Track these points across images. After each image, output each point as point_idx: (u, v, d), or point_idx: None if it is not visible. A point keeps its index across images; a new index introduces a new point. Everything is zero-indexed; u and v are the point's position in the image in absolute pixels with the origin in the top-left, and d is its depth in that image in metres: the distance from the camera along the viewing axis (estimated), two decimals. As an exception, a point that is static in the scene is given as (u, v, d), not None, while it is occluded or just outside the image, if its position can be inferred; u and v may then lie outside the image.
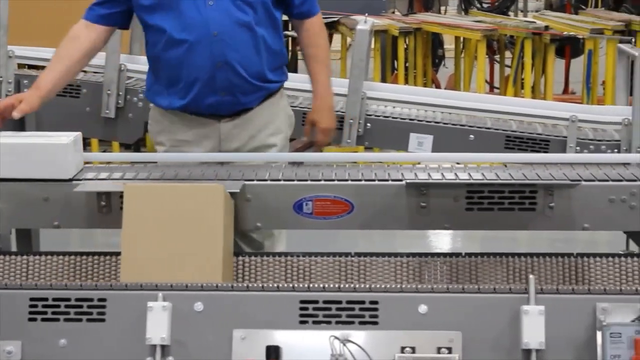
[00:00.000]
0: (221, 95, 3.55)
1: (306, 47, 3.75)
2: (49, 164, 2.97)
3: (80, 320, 2.48)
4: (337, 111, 5.29)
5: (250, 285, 2.50)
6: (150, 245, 2.73)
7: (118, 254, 2.85)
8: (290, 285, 2.51)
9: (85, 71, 5.95)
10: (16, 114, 3.27)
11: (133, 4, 3.52)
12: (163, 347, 2.44)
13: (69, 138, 3.05)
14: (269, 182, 2.98)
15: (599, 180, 2.93)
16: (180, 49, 3.49)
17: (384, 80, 8.82)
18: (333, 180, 2.96)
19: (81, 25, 3.57)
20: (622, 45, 5.36)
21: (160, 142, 3.71)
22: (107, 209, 2.94)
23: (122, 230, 2.76)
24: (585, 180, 2.93)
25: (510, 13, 12.05)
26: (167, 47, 3.51)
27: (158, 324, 2.44)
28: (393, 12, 10.43)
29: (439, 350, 2.42)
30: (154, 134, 3.73)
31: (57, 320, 2.48)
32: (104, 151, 7.42)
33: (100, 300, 2.48)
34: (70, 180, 2.99)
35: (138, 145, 7.29)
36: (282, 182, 2.98)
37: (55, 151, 2.99)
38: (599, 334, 2.40)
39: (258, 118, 3.65)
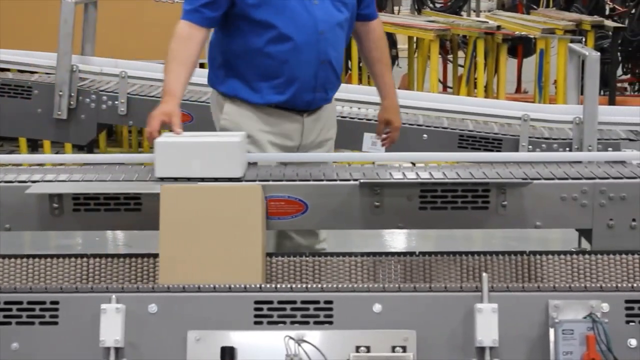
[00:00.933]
0: (318, 92, 3.61)
1: (370, 51, 3.84)
2: (220, 162, 2.95)
3: (32, 323, 2.46)
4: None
5: (202, 286, 2.49)
6: (189, 247, 2.71)
7: (71, 256, 2.83)
8: (244, 285, 2.51)
9: (36, 72, 5.91)
10: (180, 131, 3.23)
11: (237, 1, 3.50)
12: (117, 349, 2.43)
13: (238, 137, 3.06)
14: (222, 182, 2.97)
15: (551, 179, 2.95)
16: (286, 45, 3.51)
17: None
18: (287, 180, 2.96)
19: (186, 26, 3.51)
20: (572, 45, 5.42)
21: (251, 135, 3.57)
22: (59, 210, 2.91)
23: (160, 232, 2.73)
24: (537, 179, 2.95)
25: (463, 13, 12.11)
26: (272, 43, 3.52)
27: (112, 327, 2.43)
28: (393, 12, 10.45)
29: (393, 349, 2.43)
30: (236, 126, 3.61)
31: (9, 324, 2.46)
32: (57, 152, 7.36)
33: (52, 303, 2.46)
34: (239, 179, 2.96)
35: (91, 146, 7.23)
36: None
37: (226, 149, 2.98)
38: (551, 331, 2.42)
39: (326, 112, 3.73)
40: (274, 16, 3.50)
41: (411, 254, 2.91)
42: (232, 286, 2.50)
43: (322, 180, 2.96)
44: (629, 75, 11.04)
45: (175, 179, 2.92)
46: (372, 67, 3.86)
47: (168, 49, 3.48)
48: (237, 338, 2.45)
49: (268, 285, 2.51)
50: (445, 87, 10.52)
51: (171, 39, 3.51)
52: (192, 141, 3.02)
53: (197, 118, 5.39)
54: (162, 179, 2.93)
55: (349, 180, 2.95)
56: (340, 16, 3.60)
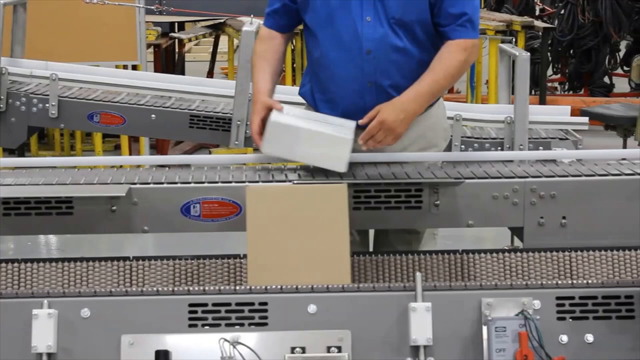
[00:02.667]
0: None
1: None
2: (327, 154, 2.96)
3: (-38, 330, 2.42)
4: (226, 113, 5.31)
5: (135, 290, 2.47)
6: (276, 247, 2.70)
7: (1, 261, 2.79)
8: (179, 288, 2.49)
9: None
10: (280, 106, 3.13)
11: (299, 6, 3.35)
12: (49, 355, 2.40)
13: (349, 133, 3.02)
14: (155, 185, 2.95)
15: (483, 178, 2.98)
16: (328, 60, 3.29)
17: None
18: (220, 182, 2.95)
19: (265, 30, 3.44)
20: (503, 45, 5.48)
21: None
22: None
23: (248, 232, 2.71)
24: (469, 178, 2.98)
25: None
26: (321, 55, 3.30)
27: (44, 332, 2.40)
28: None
29: (328, 349, 2.43)
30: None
31: (-61, 330, 2.42)
32: (-13, 157, 7.25)
33: (-17, 309, 2.43)
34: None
35: (22, 150, 7.14)
36: (168, 185, 2.95)
37: (336, 144, 2.97)
38: (484, 329, 2.45)
39: (409, 131, 3.21)
40: (317, 27, 3.29)
41: (352, 254, 2.91)
42: (166, 289, 2.49)
43: (256, 182, 2.96)
44: (559, 75, 11.20)
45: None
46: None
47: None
48: (172, 341, 2.43)
49: (202, 288, 2.50)
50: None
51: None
52: (305, 127, 3.00)
53: (129, 120, 5.35)
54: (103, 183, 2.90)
55: (284, 181, 2.95)
56: (396, 40, 3.21)
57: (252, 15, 6.37)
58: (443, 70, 3.17)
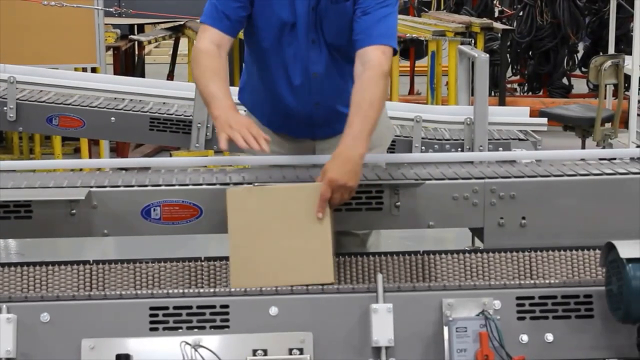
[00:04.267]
0: (319, 127, 3.35)
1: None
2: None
3: None
4: (187, 116, 5.29)
5: (96, 293, 2.46)
6: (259, 249, 2.67)
7: None
8: (139, 291, 2.48)
9: None
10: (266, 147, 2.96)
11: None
12: (9, 360, 2.38)
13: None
14: (115, 188, 2.93)
15: (443, 179, 2.99)
16: (276, 83, 3.28)
17: (232, 83, 8.78)
18: (181, 185, 2.94)
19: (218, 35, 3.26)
20: (462, 47, 5.50)
21: (251, 151, 3.29)
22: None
23: (229, 234, 2.70)
24: (430, 179, 2.99)
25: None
26: (264, 75, 3.30)
27: (3, 337, 2.38)
28: (241, 16, 10.41)
29: (290, 351, 2.43)
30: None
31: None
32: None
33: (-60, 314, 2.40)
34: None
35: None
36: (128, 188, 2.93)
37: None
38: (445, 329, 2.46)
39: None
40: (265, 46, 3.25)
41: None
42: (126, 293, 2.48)
43: (215, 184, 2.95)
44: (518, 76, 11.28)
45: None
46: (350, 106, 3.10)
47: None
48: (133, 345, 2.42)
49: (163, 291, 2.49)
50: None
51: None
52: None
53: (89, 123, 5.32)
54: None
55: (242, 183, 2.94)
56: (325, 56, 3.24)
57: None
58: (368, 104, 2.99)
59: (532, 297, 2.53)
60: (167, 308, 2.46)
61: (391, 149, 4.98)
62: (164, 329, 2.45)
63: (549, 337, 2.50)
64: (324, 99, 3.29)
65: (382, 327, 2.45)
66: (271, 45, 3.25)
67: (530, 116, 5.25)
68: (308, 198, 2.74)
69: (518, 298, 2.52)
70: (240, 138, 2.93)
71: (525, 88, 11.12)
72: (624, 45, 9.57)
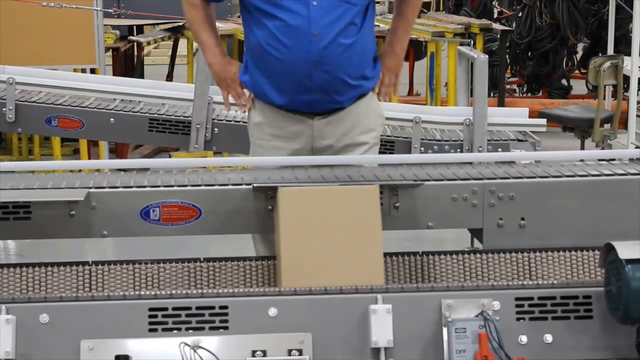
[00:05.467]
0: (317, 93, 3.57)
1: (399, 4, 3.76)
2: None
3: None
4: (186, 116, 5.30)
5: (95, 294, 2.46)
6: (310, 249, 2.68)
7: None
8: (138, 292, 2.48)
9: None
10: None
11: None
12: (8, 361, 2.38)
13: None
14: (114, 189, 2.93)
15: (442, 180, 2.99)
16: (278, 42, 3.53)
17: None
18: (180, 185, 2.94)
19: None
20: (461, 48, 5.51)
21: (252, 135, 3.75)
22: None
23: (281, 234, 2.70)
24: (429, 180, 2.99)
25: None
26: (268, 38, 3.54)
27: (2, 338, 2.38)
28: (239, 16, 10.42)
29: (289, 352, 2.43)
30: (251, 125, 3.74)
31: None
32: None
33: (-60, 315, 2.40)
34: None
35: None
36: (127, 189, 2.93)
37: None
38: (444, 330, 2.46)
39: (351, 117, 3.65)
40: (274, 9, 3.51)
41: (306, 257, 2.92)
42: (125, 293, 2.47)
43: (215, 185, 2.95)
44: (517, 77, 11.28)
45: None
46: (393, 19, 3.82)
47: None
48: (132, 346, 2.42)
49: (162, 292, 2.49)
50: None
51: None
52: None
53: (88, 124, 5.32)
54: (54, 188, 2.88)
55: (242, 184, 2.95)
56: (341, 19, 3.51)
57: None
58: (413, 13, 3.76)
59: (532, 298, 2.52)
60: (166, 309, 2.45)
61: (390, 150, 5.00)
62: (163, 329, 2.45)
63: (548, 337, 2.50)
64: (325, 60, 3.49)
65: (381, 328, 2.45)
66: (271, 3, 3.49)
67: (530, 117, 5.26)
68: (359, 199, 2.75)
69: (517, 299, 2.52)
70: (226, 99, 3.73)
71: (525, 89, 11.12)
72: (623, 46, 9.57)
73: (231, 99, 3.75)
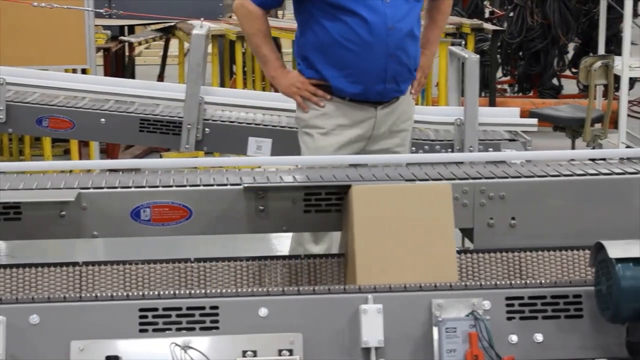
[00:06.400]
0: (389, 83, 3.89)
1: (432, 9, 4.16)
2: None
3: None
4: (177, 117, 5.29)
5: (84, 295, 2.45)
6: (384, 246, 2.69)
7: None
8: (128, 293, 2.48)
9: None
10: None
11: None
12: (-2, 362, 2.37)
13: None
14: (105, 189, 2.93)
15: (434, 179, 3.00)
16: (358, 38, 3.81)
17: (222, 85, 8.81)
18: (170, 186, 2.93)
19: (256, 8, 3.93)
20: (452, 48, 5.51)
21: (315, 126, 3.91)
22: None
23: (355, 232, 2.70)
24: (420, 180, 2.99)
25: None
26: (346, 33, 3.82)
27: (-8, 339, 2.37)
28: (230, 17, 10.42)
29: (280, 352, 2.43)
30: (309, 118, 3.92)
31: None
32: None
33: None
34: None
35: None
36: (118, 190, 2.93)
37: None
38: (435, 330, 2.46)
39: (402, 105, 4.01)
40: (355, 5, 3.76)
41: (297, 257, 2.92)
42: (116, 294, 2.47)
43: (205, 185, 2.95)
44: (508, 77, 11.29)
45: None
46: (425, 23, 4.16)
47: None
48: (122, 347, 2.41)
49: (152, 292, 2.49)
50: (329, 91, 10.57)
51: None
52: None
53: (78, 125, 5.31)
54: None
55: (232, 184, 2.94)
56: (412, 13, 3.88)
57: (202, 19, 6.36)
58: (444, 21, 4.21)
59: (522, 298, 2.53)
60: (156, 309, 2.45)
61: (381, 150, 4.99)
62: (154, 330, 2.44)
63: (539, 337, 2.50)
64: (398, 51, 3.83)
65: (372, 327, 2.45)
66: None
67: (521, 117, 5.26)
68: (432, 197, 2.77)
69: (507, 298, 2.52)
70: (301, 101, 3.91)
71: (516, 89, 11.12)
72: (614, 46, 9.59)
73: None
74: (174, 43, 10.26)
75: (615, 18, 9.65)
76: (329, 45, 3.83)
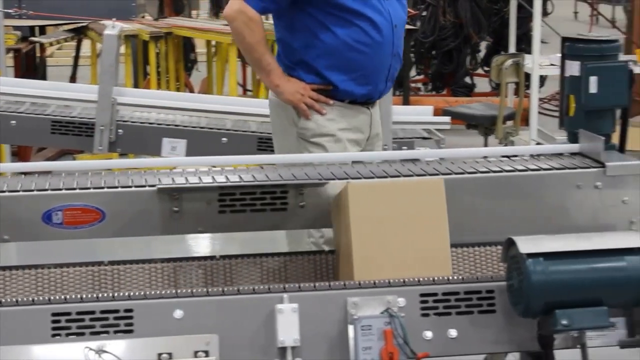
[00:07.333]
0: (389, 82, 3.90)
1: None
2: None
3: None
4: (90, 118, 5.23)
5: (-7, 300, 2.41)
6: (379, 242, 2.69)
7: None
8: (41, 297, 2.44)
9: None
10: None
11: None
12: None
13: None
14: (16, 192, 2.88)
15: (346, 178, 3.00)
16: (369, 39, 3.76)
17: (136, 85, 8.73)
18: (83, 188, 2.90)
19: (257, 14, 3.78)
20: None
21: (326, 134, 3.80)
22: None
23: (351, 228, 2.69)
24: (333, 179, 3.00)
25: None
26: (357, 36, 3.75)
27: None
28: (143, 17, 10.34)
29: (196, 354, 2.42)
30: (317, 127, 3.80)
31: None
32: None
33: None
34: None
35: None
36: (29, 193, 2.88)
37: None
38: (350, 328, 2.47)
39: (384, 102, 4.08)
40: (363, 7, 3.72)
41: (212, 257, 2.91)
42: (27, 299, 2.43)
43: (119, 187, 2.92)
44: (422, 76, 11.40)
45: None
46: None
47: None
48: (35, 352, 2.38)
49: (65, 297, 2.46)
50: (245, 90, 10.57)
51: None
52: None
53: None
54: None
55: (146, 186, 2.92)
56: (403, 7, 3.91)
57: (114, 19, 6.29)
58: None
59: (436, 294, 2.55)
60: (69, 314, 2.42)
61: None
62: (67, 334, 2.41)
63: (453, 332, 2.53)
64: (399, 50, 3.84)
65: (288, 327, 2.45)
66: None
67: (434, 115, 5.32)
68: (426, 192, 2.78)
69: (422, 295, 2.54)
70: (306, 109, 3.76)
71: (429, 87, 11.23)
72: (525, 44, 9.74)
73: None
74: (86, 44, 10.14)
75: (525, 17, 9.81)
76: (339, 50, 3.73)
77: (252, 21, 3.73)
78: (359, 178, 2.97)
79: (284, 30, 3.84)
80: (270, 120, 4.03)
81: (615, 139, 3.24)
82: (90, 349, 2.37)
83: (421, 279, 2.57)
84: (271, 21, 3.99)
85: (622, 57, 3.45)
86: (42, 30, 10.19)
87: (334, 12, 3.71)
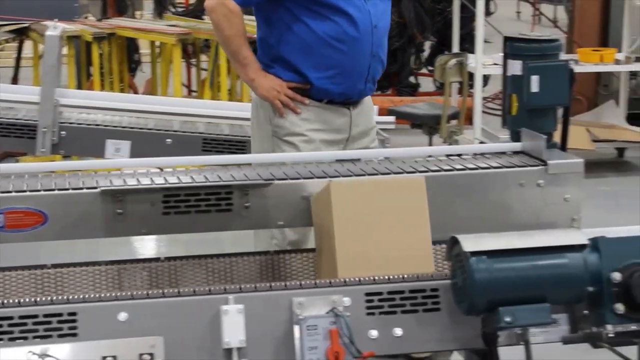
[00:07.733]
0: (368, 82, 3.89)
1: None
2: None
3: None
4: (30, 119, 5.17)
5: None
6: (362, 240, 2.69)
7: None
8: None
9: None
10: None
11: None
12: None
13: None
14: (-44, 196, 2.84)
15: (292, 179, 3.01)
16: (347, 37, 3.76)
17: (79, 87, 8.65)
18: (24, 191, 2.86)
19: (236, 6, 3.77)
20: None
21: (298, 133, 3.78)
22: None
23: (335, 226, 2.69)
24: (280, 179, 3.00)
25: (205, 17, 12.15)
26: (334, 33, 3.74)
27: None
28: (86, 17, 10.25)
29: (140, 356, 2.40)
30: (290, 125, 3.79)
31: None
32: None
33: None
34: None
35: None
36: (-31, 196, 2.84)
37: None
38: (296, 328, 2.47)
39: (367, 101, 3.99)
40: (342, 3, 3.71)
41: (157, 259, 2.90)
42: (-32, 304, 2.40)
43: (61, 189, 2.89)
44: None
45: None
46: None
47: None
48: (-23, 358, 2.35)
49: (7, 301, 2.43)
50: (189, 91, 10.52)
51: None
52: None
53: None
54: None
55: (89, 188, 2.89)
56: (387, 11, 3.89)
57: (55, 19, 6.24)
58: None
59: (381, 293, 2.56)
60: (11, 318, 2.39)
61: (241, 150, 5.00)
62: (10, 339, 2.38)
63: (398, 331, 2.54)
64: (379, 50, 3.84)
65: (233, 328, 2.44)
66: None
67: (379, 115, 5.33)
68: (408, 189, 2.80)
69: (367, 294, 2.55)
70: (281, 107, 3.75)
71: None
72: (468, 44, 9.81)
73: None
74: (28, 44, 10.02)
75: (468, 17, 9.88)
76: (315, 46, 3.72)
77: (232, 13, 3.74)
78: (338, 176, 2.97)
79: (263, 25, 3.84)
80: (250, 116, 4.06)
81: (557, 137, 3.27)
82: (34, 353, 2.35)
83: (362, 279, 2.58)
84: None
85: (564, 56, 3.47)
86: (-17, 31, 10.07)
87: (311, 6, 3.70)
